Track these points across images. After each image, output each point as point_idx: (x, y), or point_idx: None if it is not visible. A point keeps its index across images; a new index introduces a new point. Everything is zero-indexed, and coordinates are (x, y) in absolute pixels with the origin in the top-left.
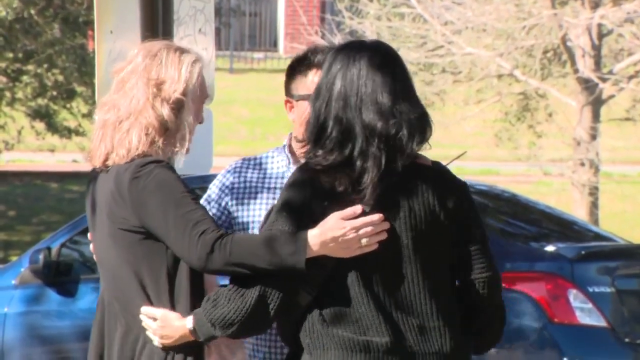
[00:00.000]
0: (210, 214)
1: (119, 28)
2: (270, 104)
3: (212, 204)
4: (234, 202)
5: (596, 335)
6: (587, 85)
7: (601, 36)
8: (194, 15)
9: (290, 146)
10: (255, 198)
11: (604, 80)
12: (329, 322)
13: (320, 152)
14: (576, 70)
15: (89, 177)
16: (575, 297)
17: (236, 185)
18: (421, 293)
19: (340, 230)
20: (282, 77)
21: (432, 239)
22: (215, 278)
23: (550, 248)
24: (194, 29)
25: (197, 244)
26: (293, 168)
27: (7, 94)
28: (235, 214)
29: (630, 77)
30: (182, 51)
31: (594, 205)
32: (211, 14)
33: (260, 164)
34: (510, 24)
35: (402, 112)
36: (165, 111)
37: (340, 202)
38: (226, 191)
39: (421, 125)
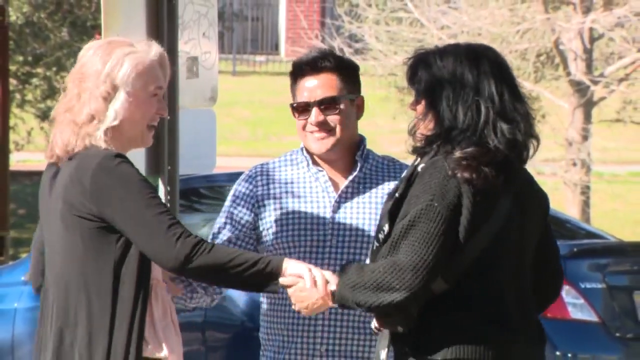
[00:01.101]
0: (221, 222)
1: (126, 32)
2: (271, 106)
3: (224, 214)
4: (253, 210)
5: (588, 330)
6: (579, 88)
7: (592, 40)
8: (197, 20)
9: (306, 148)
10: (278, 203)
11: (595, 82)
12: (468, 313)
13: (465, 148)
14: (568, 73)
15: (46, 167)
16: (567, 293)
17: (253, 193)
18: (529, 286)
19: (301, 304)
20: (283, 80)
21: (533, 240)
22: (164, 275)
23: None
24: (198, 33)
25: (176, 244)
26: (314, 169)
27: (17, 96)
28: (257, 222)
29: (621, 80)
30: (117, 45)
31: (586, 204)
32: (214, 19)
33: (278, 168)
34: (504, 28)
35: (529, 110)
36: (94, 105)
37: (492, 200)
38: (240, 202)
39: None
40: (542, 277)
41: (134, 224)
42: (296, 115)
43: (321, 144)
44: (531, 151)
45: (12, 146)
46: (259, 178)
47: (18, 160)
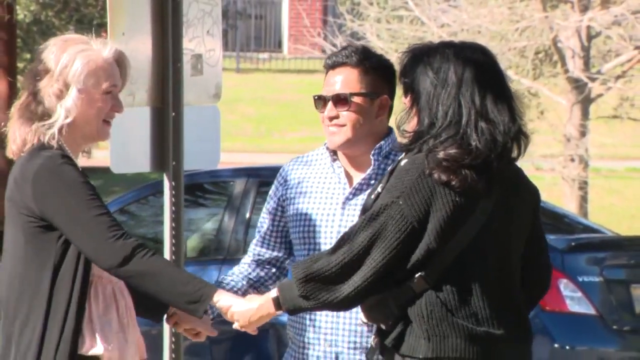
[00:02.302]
0: (260, 218)
1: (131, 30)
2: (274, 102)
3: (263, 211)
4: (279, 207)
5: (585, 323)
6: (577, 85)
7: (590, 38)
8: (202, 18)
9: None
10: (297, 198)
11: (592, 79)
12: (450, 310)
13: (446, 148)
14: (566, 70)
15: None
16: (565, 287)
17: (278, 190)
18: (516, 284)
19: (243, 318)
20: (286, 77)
21: (521, 240)
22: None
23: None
24: (202, 30)
25: (115, 245)
26: (335, 165)
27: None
28: (285, 218)
29: (618, 77)
30: (71, 43)
31: (584, 199)
32: (218, 17)
33: (304, 162)
34: (503, 26)
35: (517, 110)
36: (47, 102)
37: (471, 202)
38: (270, 199)
39: (522, 123)
40: (533, 271)
41: (73, 225)
42: (317, 107)
43: (333, 138)
44: (519, 149)
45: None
46: (284, 174)
47: None
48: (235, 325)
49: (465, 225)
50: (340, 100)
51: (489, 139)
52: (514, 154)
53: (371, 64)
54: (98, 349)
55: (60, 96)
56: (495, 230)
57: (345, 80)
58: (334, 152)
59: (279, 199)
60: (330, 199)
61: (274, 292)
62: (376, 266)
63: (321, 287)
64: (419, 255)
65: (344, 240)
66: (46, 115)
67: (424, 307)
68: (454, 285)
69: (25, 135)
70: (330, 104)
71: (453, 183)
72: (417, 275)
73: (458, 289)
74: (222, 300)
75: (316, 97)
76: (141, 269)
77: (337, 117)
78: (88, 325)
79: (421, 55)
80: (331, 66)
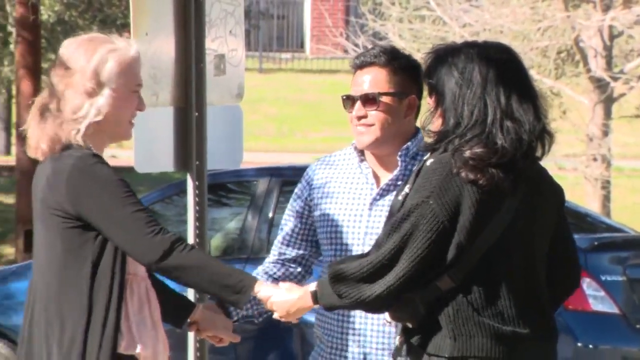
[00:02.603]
0: (285, 217)
1: (154, 30)
2: (297, 102)
3: (287, 210)
4: (306, 206)
5: (608, 322)
6: (599, 84)
7: (612, 37)
8: (224, 18)
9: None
10: (324, 199)
11: (615, 79)
12: (477, 310)
13: (473, 147)
14: (588, 70)
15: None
16: (588, 286)
17: (305, 190)
18: (541, 283)
19: (281, 309)
20: (308, 77)
21: (545, 238)
22: (142, 270)
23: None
24: (225, 30)
25: (154, 240)
26: (362, 165)
27: None
28: (312, 218)
29: None
30: (100, 42)
31: (606, 198)
32: (241, 17)
33: (334, 162)
34: (525, 26)
35: (541, 108)
36: (78, 101)
37: (497, 200)
38: (297, 199)
39: (547, 122)
40: (559, 270)
41: (110, 222)
42: (346, 107)
43: (362, 138)
44: (543, 148)
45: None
46: (310, 174)
47: None
48: (275, 315)
49: (491, 224)
50: (369, 100)
51: (515, 137)
52: (538, 153)
53: (399, 64)
54: (135, 347)
55: (91, 94)
56: (520, 229)
57: (374, 80)
58: (361, 152)
59: (305, 198)
60: (357, 200)
61: (312, 286)
62: (409, 266)
63: (354, 285)
64: (449, 254)
65: (378, 243)
66: (76, 113)
67: (450, 306)
68: (480, 284)
69: (53, 134)
70: (358, 104)
71: (480, 182)
72: (443, 274)
73: (484, 288)
74: (263, 290)
75: (344, 97)
76: (181, 263)
77: (365, 116)
78: (125, 323)
79: (445, 56)
80: (359, 66)
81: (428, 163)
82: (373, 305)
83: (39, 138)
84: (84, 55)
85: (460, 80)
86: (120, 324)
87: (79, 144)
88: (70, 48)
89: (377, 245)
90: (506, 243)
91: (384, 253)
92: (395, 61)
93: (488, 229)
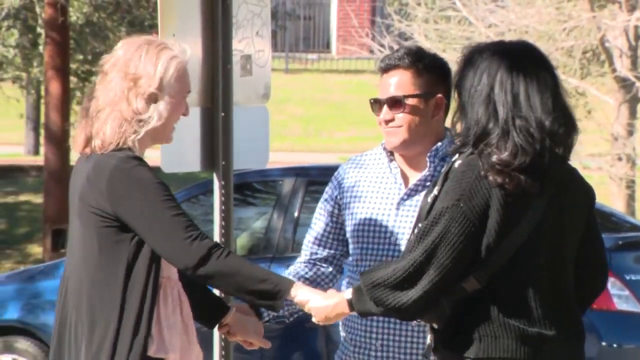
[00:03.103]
0: (314, 217)
1: (182, 31)
2: (323, 103)
3: (317, 209)
4: (335, 206)
5: (633, 321)
6: (624, 84)
7: (638, 37)
8: (251, 19)
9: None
10: (354, 199)
11: None
12: (502, 311)
13: (499, 153)
14: (614, 70)
15: (74, 165)
16: (613, 285)
17: (335, 190)
18: (568, 284)
19: (320, 314)
20: (334, 77)
21: (575, 240)
22: (175, 274)
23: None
24: (252, 31)
25: (192, 246)
26: (393, 166)
27: (78, 93)
28: (342, 218)
29: None
30: (161, 47)
31: (631, 198)
32: (268, 18)
33: (364, 163)
34: (551, 26)
35: (562, 109)
36: (140, 105)
37: (524, 203)
38: (327, 198)
39: (574, 123)
40: (586, 271)
41: (149, 226)
42: (374, 110)
43: (390, 139)
44: (559, 144)
45: (72, 142)
46: (341, 175)
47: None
48: (314, 319)
49: (518, 226)
50: (395, 103)
51: (527, 134)
52: (559, 150)
53: (424, 65)
54: (165, 351)
55: (154, 100)
56: (547, 231)
57: (399, 82)
58: (391, 152)
59: (335, 198)
60: (385, 200)
61: (348, 293)
62: (442, 269)
63: (389, 292)
64: (479, 256)
65: (409, 247)
66: (138, 117)
67: (475, 308)
68: (506, 285)
69: (111, 134)
70: (385, 107)
71: (507, 186)
72: (469, 276)
73: (510, 289)
74: (300, 294)
75: (372, 101)
76: (218, 270)
77: (392, 119)
78: (156, 327)
79: (466, 57)
80: (385, 69)
81: (456, 165)
82: (408, 311)
83: (90, 135)
84: (149, 60)
85: (472, 81)
86: (152, 327)
87: (124, 147)
88: (129, 50)
89: (409, 249)
90: (533, 245)
91: (416, 257)
92: (420, 62)
93: (515, 231)
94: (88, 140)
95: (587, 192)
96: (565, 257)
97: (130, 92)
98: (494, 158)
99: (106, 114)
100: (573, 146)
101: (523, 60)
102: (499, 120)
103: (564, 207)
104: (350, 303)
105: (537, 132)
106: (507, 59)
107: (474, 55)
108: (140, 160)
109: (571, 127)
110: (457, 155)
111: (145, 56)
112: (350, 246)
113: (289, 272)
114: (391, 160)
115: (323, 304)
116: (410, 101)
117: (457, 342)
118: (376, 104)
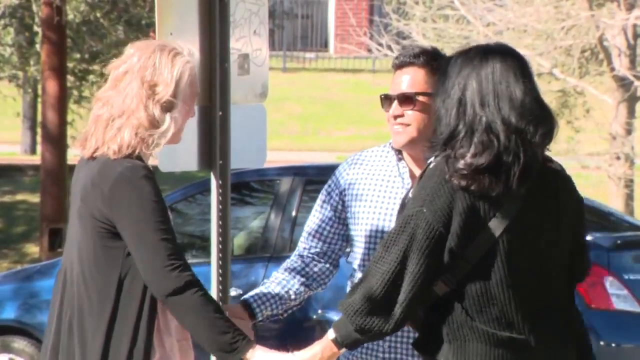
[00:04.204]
0: (312, 213)
1: (179, 30)
2: (320, 101)
3: (316, 205)
4: (338, 203)
5: (631, 320)
6: (623, 83)
7: (636, 36)
8: (249, 18)
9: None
10: (358, 196)
11: (638, 78)
12: (471, 315)
13: (463, 154)
14: (612, 69)
15: (77, 164)
16: (611, 284)
17: (337, 187)
18: (556, 291)
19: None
20: (332, 76)
21: (561, 242)
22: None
23: (587, 237)
24: (249, 30)
25: (171, 274)
26: (401, 165)
27: (75, 92)
28: (344, 214)
29: None
30: (175, 53)
31: (630, 197)
32: (265, 17)
33: (366, 160)
34: (549, 25)
35: (532, 108)
36: (157, 112)
37: (492, 205)
38: (328, 194)
39: (549, 122)
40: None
41: (136, 240)
42: (383, 106)
43: (398, 138)
44: (525, 145)
45: (69, 141)
46: (342, 171)
47: (75, 155)
48: None
49: (485, 230)
50: (406, 99)
51: (489, 132)
52: (530, 148)
53: (438, 65)
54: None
55: (170, 108)
56: (523, 234)
57: (412, 79)
58: (399, 152)
59: (336, 194)
60: (389, 198)
61: (331, 333)
62: (415, 278)
63: (372, 316)
64: (445, 259)
65: (376, 257)
66: (154, 124)
67: (446, 311)
68: (476, 289)
69: (130, 140)
70: (395, 103)
71: (472, 188)
72: (438, 279)
73: (479, 293)
74: (256, 356)
75: (382, 96)
76: (187, 305)
77: (401, 115)
78: (157, 336)
79: (442, 65)
80: (398, 66)
81: (430, 167)
82: (395, 330)
83: (103, 142)
84: (165, 67)
85: (447, 86)
86: (152, 337)
87: (139, 154)
88: (143, 56)
89: (376, 259)
90: (504, 249)
91: (389, 270)
92: (435, 62)
93: (482, 234)
94: (98, 148)
95: (571, 191)
96: (548, 261)
97: (148, 100)
98: (459, 162)
99: (121, 121)
100: (547, 143)
101: (495, 61)
102: (466, 121)
103: (544, 209)
104: (335, 342)
105: (502, 129)
106: (479, 60)
107: (449, 62)
108: (147, 170)
109: (544, 122)
110: (433, 157)
111: (160, 62)
112: (355, 246)
113: (283, 267)
114: (400, 160)
115: (308, 355)
116: (422, 98)
117: (430, 345)
118: (386, 100)
